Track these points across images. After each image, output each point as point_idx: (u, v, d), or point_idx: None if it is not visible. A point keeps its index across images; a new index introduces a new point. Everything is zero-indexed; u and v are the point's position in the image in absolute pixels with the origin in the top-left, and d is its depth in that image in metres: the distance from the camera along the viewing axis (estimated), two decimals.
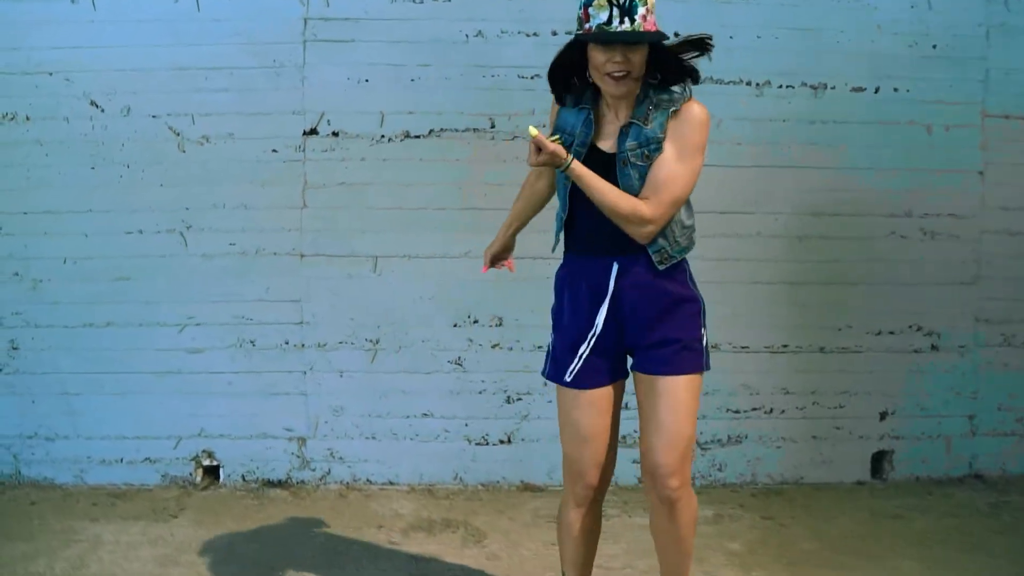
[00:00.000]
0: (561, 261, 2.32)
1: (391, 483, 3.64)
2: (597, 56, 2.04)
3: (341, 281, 3.57)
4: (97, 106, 3.49)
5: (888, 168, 3.67)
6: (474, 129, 3.55)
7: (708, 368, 2.23)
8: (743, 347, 3.67)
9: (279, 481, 3.62)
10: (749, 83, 3.61)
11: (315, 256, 3.56)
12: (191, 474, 3.62)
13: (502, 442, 3.64)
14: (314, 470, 3.63)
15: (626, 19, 1.98)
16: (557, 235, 2.29)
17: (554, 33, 3.50)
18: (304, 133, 3.53)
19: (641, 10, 1.98)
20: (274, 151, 3.53)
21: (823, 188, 3.66)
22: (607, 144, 2.15)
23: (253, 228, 3.54)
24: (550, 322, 2.32)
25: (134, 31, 3.47)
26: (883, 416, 3.74)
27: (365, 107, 3.53)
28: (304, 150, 3.53)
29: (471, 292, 3.55)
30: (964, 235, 3.72)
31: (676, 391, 2.14)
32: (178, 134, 3.52)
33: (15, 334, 3.55)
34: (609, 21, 1.98)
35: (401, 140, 3.55)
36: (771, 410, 3.70)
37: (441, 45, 3.52)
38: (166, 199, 3.52)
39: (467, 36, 3.53)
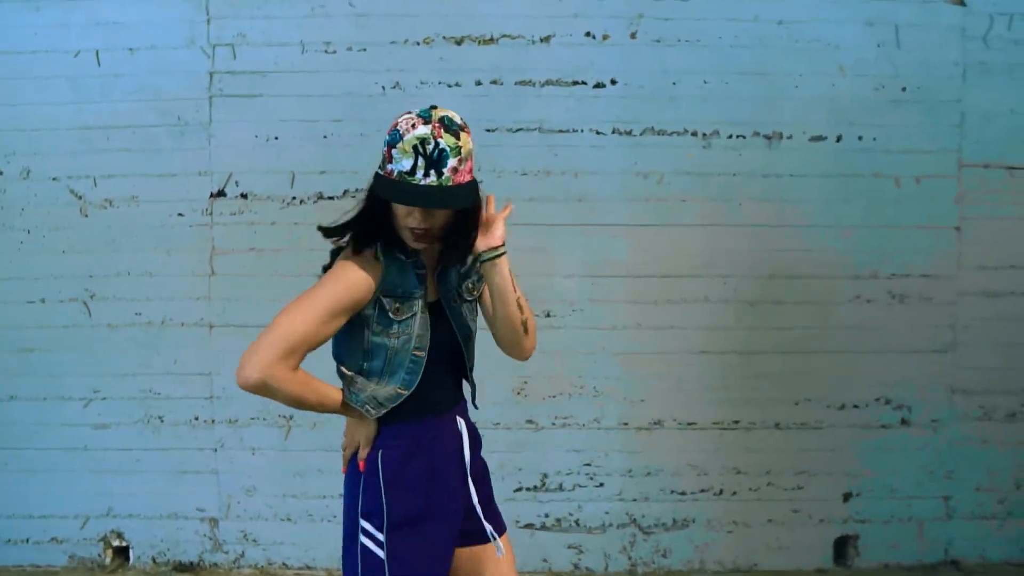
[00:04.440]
0: (379, 438, 1.84)
1: (308, 567, 3.40)
2: (397, 207, 1.74)
3: None
4: None
5: (852, 225, 3.35)
6: None
7: None
8: (689, 423, 3.37)
9: (191, 564, 3.41)
10: (695, 133, 3.31)
11: (225, 327, 3.34)
12: (100, 555, 3.42)
13: None
14: (227, 552, 3.41)
15: (432, 172, 1.67)
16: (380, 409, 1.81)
17: (478, 83, 3.25)
18: (211, 195, 3.31)
19: (451, 162, 1.67)
20: (180, 215, 3.31)
21: (778, 248, 3.34)
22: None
23: (159, 297, 3.34)
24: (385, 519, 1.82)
25: (34, 88, 3.28)
26: (847, 497, 3.41)
27: (275, 166, 3.29)
28: (211, 213, 3.31)
29: None
30: (938, 297, 3.37)
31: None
32: (80, 197, 3.32)
33: None
34: (412, 171, 1.67)
35: (314, 202, 3.30)
36: (721, 491, 3.39)
37: (355, 99, 3.26)
38: (69, 266, 3.33)
39: (383, 88, 3.27)
